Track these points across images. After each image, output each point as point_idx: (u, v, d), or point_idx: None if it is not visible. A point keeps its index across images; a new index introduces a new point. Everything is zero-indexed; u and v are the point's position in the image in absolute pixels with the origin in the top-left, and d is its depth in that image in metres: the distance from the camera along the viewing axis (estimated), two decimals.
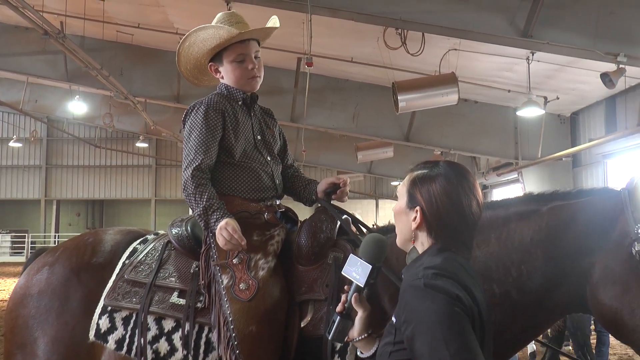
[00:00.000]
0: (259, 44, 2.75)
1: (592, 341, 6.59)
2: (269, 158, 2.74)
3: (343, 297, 1.92)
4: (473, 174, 1.87)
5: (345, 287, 1.95)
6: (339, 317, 1.89)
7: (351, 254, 1.96)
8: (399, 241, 1.87)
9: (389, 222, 2.55)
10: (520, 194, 2.41)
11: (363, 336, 1.86)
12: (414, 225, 1.77)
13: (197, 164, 2.53)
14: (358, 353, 1.93)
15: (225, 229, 2.38)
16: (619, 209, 1.95)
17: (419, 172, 1.81)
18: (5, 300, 12.27)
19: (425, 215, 1.75)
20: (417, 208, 1.76)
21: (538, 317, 2.13)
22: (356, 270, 1.88)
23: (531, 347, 7.23)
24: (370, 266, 1.86)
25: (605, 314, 1.95)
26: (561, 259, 2.04)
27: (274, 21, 2.78)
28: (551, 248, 2.06)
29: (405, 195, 1.81)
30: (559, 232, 2.06)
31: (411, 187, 1.80)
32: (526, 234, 2.12)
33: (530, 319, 2.13)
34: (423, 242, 1.78)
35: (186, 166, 2.56)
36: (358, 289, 1.89)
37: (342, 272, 1.95)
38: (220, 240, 2.41)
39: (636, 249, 1.87)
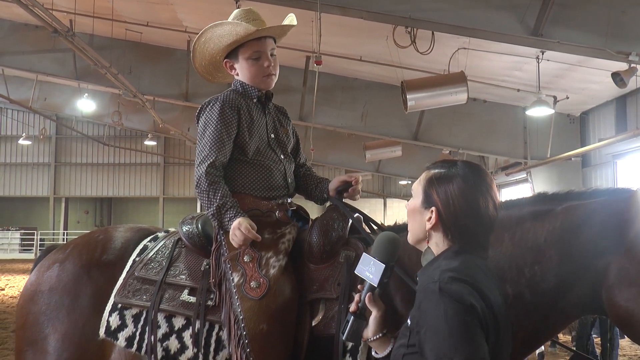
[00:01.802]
0: (274, 42, 2.73)
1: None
2: (282, 156, 2.72)
3: (356, 297, 1.90)
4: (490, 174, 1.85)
5: (359, 286, 1.93)
6: (352, 317, 1.87)
7: (364, 253, 1.94)
8: (411, 239, 1.85)
9: (396, 221, 2.53)
10: (529, 194, 2.37)
11: (378, 336, 1.85)
12: (428, 225, 1.76)
13: (211, 160, 2.51)
14: (373, 353, 1.91)
15: (238, 229, 2.37)
16: (635, 209, 1.92)
17: (436, 171, 1.79)
18: (15, 297, 12.32)
19: (440, 215, 1.73)
20: (433, 208, 1.75)
21: (551, 319, 2.10)
22: (369, 269, 1.86)
23: (540, 347, 7.20)
24: (384, 265, 1.84)
25: (621, 316, 1.92)
26: (576, 259, 2.01)
27: (290, 19, 2.76)
28: (565, 248, 2.03)
29: (421, 194, 1.79)
30: (574, 233, 2.03)
31: (428, 186, 1.78)
32: (540, 234, 2.09)
33: (544, 320, 2.10)
34: (437, 243, 1.76)
35: (200, 162, 2.54)
36: (372, 289, 1.87)
37: (355, 272, 1.93)
38: (233, 240, 2.41)
39: None
